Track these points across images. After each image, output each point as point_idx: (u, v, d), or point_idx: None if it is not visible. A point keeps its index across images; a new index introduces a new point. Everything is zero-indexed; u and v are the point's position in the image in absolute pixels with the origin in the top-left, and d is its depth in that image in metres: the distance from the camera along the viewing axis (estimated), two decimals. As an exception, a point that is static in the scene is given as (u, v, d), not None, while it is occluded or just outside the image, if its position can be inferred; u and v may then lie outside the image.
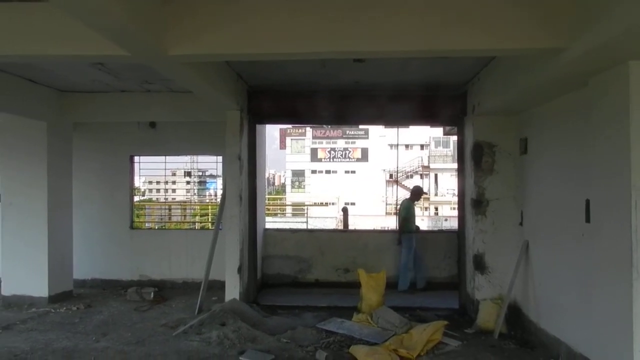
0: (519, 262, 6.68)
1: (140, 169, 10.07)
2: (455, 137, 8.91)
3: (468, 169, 7.58)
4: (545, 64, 4.56)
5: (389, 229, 17.07)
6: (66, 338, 6.48)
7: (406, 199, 9.98)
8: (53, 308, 7.87)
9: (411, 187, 10.49)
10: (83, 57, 4.77)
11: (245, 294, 7.76)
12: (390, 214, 37.91)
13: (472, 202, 7.35)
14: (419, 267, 9.19)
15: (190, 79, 5.62)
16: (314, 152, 52.36)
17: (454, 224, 9.65)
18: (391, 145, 46.67)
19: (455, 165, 9.09)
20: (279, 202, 38.02)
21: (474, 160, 7.28)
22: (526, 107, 6.50)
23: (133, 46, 4.09)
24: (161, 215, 12.11)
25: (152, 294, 8.51)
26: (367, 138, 50.45)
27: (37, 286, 8.07)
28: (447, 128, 10.62)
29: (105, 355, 5.85)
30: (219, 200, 9.62)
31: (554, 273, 5.78)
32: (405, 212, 9.42)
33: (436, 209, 42.69)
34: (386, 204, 42.17)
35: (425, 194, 8.88)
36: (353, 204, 40.17)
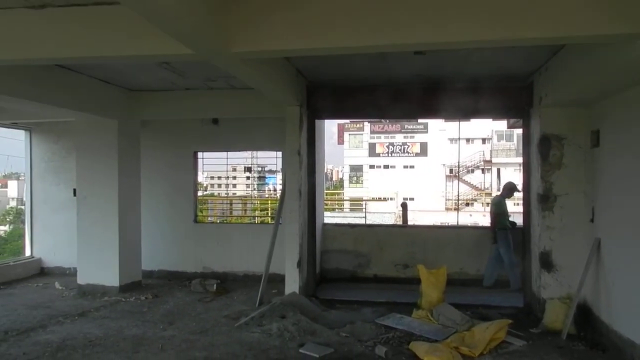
0: (590, 260, 6.36)
1: (203, 164, 10.38)
2: (519, 130, 8.58)
3: (534, 162, 7.29)
4: (620, 51, 4.30)
5: (449, 224, 16.72)
6: (136, 326, 6.79)
7: (497, 195, 9.70)
8: (123, 297, 8.27)
9: (504, 183, 10.05)
10: (151, 57, 4.97)
11: (304, 287, 7.84)
12: (450, 209, 37.14)
13: (538, 198, 7.06)
14: (494, 265, 8.91)
15: (251, 76, 5.72)
16: (372, 147, 52.01)
17: (517, 220, 9.30)
18: (451, 140, 45.61)
19: (519, 160, 8.76)
20: (336, 197, 38.11)
21: (541, 154, 6.99)
22: (599, 97, 6.15)
23: (197, 44, 4.21)
24: (223, 210, 12.41)
25: (215, 285, 8.77)
26: (427, 132, 49.52)
27: (109, 276, 8.52)
28: (512, 121, 10.26)
29: (172, 343, 6.09)
30: (278, 195, 9.76)
31: (631, 272, 5.45)
32: (496, 209, 9.12)
33: (499, 204, 41.31)
34: (446, 200, 41.33)
35: (518, 190, 8.49)
36: (412, 199, 39.59)
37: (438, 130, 47.79)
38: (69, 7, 4.51)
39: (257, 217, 14.04)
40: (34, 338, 6.27)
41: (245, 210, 14.24)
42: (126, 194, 8.65)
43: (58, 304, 7.94)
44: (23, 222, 11.11)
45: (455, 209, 34.77)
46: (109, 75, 7.71)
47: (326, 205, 12.44)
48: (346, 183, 52.83)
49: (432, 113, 9.06)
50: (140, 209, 9.16)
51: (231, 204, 13.56)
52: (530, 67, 6.98)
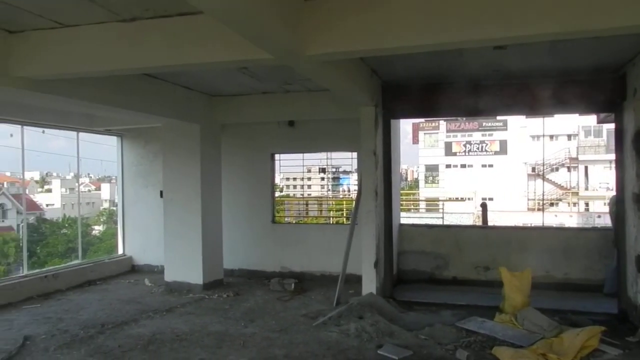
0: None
1: (280, 166, 10.59)
2: (610, 125, 8.02)
3: (628, 159, 6.79)
4: None
5: (533, 225, 15.95)
6: (219, 322, 7.05)
7: (615, 195, 9.06)
8: (207, 294, 8.61)
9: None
10: (232, 63, 5.12)
11: (381, 288, 7.79)
12: (533, 210, 35.45)
13: (633, 197, 6.57)
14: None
15: (326, 77, 5.78)
16: (448, 145, 50.69)
17: (607, 221, 8.63)
18: (534, 137, 43.51)
19: (609, 157, 8.18)
20: (412, 197, 37.53)
21: (636, 150, 6.49)
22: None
23: (275, 48, 4.32)
24: (299, 210, 12.62)
25: (293, 285, 8.92)
26: (506, 129, 47.51)
27: (194, 274, 8.91)
28: (602, 115, 9.61)
29: (253, 340, 6.26)
30: (352, 195, 9.76)
31: None
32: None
33: (586, 204, 38.92)
34: (528, 200, 39.48)
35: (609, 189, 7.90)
36: (491, 199, 38.21)
37: (519, 127, 45.70)
38: (156, 18, 4.78)
39: (333, 217, 14.14)
40: (127, 331, 6.68)
41: (321, 210, 14.39)
42: (208, 195, 9.02)
43: (148, 300, 8.42)
44: (115, 222, 11.86)
45: (538, 209, 33.15)
46: (192, 82, 8.07)
47: (401, 205, 12.29)
48: (421, 183, 51.88)
49: (513, 110, 8.68)
50: (221, 210, 9.51)
51: (307, 204, 13.76)
52: (623, 57, 6.52)
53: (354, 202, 9.06)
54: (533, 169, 42.85)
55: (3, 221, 34.90)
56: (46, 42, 5.06)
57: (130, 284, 9.76)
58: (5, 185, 38.68)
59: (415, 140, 52.08)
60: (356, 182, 10.41)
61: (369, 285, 7.65)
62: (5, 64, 5.09)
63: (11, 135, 9.44)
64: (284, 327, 6.76)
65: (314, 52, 4.40)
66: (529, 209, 37.11)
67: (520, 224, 21.50)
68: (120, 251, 11.08)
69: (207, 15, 4.37)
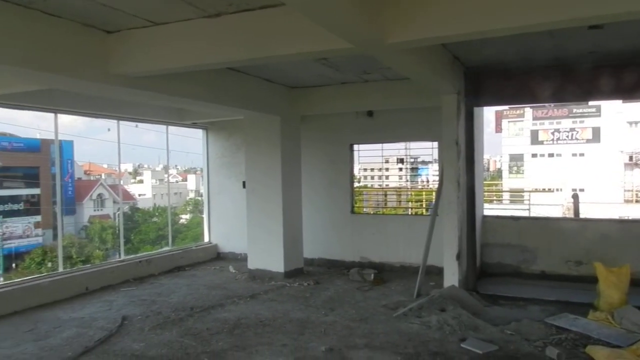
0: None
1: (359, 156, 10.57)
2: None
3: None
4: None
5: (632, 218, 14.82)
6: (300, 310, 7.20)
7: None
8: (288, 282, 8.82)
9: None
10: (313, 54, 5.18)
11: (463, 281, 7.59)
12: (630, 201, 32.98)
13: None
14: None
15: (407, 65, 5.68)
16: (534, 134, 48.28)
17: None
18: (631, 123, 40.35)
19: None
20: (494, 188, 36.16)
21: None
22: None
23: (355, 38, 4.30)
24: (377, 201, 12.55)
25: (372, 275, 8.91)
26: (599, 116, 44.44)
27: (275, 262, 9.15)
28: None
29: (334, 328, 6.33)
30: (431, 186, 9.54)
31: None
32: None
33: (693, 196, 35.62)
34: (625, 191, 36.74)
35: None
36: (582, 190, 35.95)
37: (615, 113, 42.58)
38: (240, 12, 4.92)
39: (412, 208, 13.94)
40: (214, 315, 7.00)
41: (400, 201, 14.22)
42: (289, 185, 9.20)
43: (232, 286, 8.76)
44: (200, 211, 12.43)
45: (637, 201, 30.76)
46: (272, 74, 8.23)
47: (484, 196, 11.85)
48: (505, 173, 49.82)
49: (608, 94, 8.04)
50: (301, 200, 9.67)
51: (386, 195, 13.65)
52: None
53: (434, 192, 8.88)
54: (630, 158, 39.77)
55: (101, 210, 37.81)
56: (139, 41, 5.37)
57: (215, 270, 10.19)
58: (103, 177, 41.79)
59: (498, 128, 50.04)
60: (435, 173, 10.17)
61: (451, 277, 7.48)
62: (104, 63, 5.46)
63: (109, 129, 10.16)
64: (364, 317, 6.78)
65: (395, 40, 4.34)
66: (625, 201, 34.53)
67: (616, 217, 20.06)
68: (206, 239, 11.61)
69: (288, 8, 4.44)
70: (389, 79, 8.27)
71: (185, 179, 50.16)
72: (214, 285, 8.85)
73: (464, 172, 7.74)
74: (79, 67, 5.28)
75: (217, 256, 11.43)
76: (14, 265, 28.08)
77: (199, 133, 11.67)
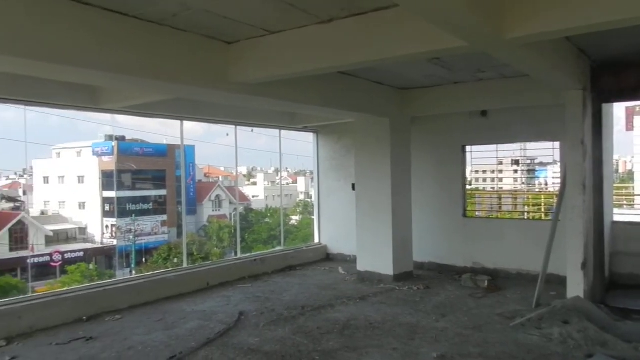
0: None
1: (472, 158, 10.20)
2: None
3: None
4: None
5: None
6: (409, 314, 7.10)
7: None
8: (397, 286, 8.73)
9: None
10: (426, 54, 5.09)
11: (589, 292, 7.00)
12: None
13: None
14: None
15: (527, 61, 5.37)
16: (672, 132, 43.20)
17: None
18: None
19: None
20: (625, 191, 32.89)
21: None
22: None
23: (472, 36, 4.16)
24: (491, 205, 12.00)
25: (486, 282, 8.54)
26: None
27: (384, 265, 9.11)
28: None
29: (445, 335, 6.16)
30: (550, 189, 8.92)
31: None
32: None
33: None
34: None
35: None
36: None
37: None
38: (352, 17, 4.97)
39: (529, 212, 13.14)
40: (325, 315, 7.13)
41: (516, 205, 13.47)
42: (398, 188, 9.12)
43: (342, 287, 8.87)
44: (310, 213, 12.76)
45: None
46: (381, 76, 8.21)
47: (613, 200, 10.80)
48: (637, 175, 45.15)
49: None
50: (411, 203, 9.54)
51: (500, 198, 13.01)
52: None
53: (554, 196, 8.30)
54: None
55: (219, 210, 40.24)
56: (257, 50, 5.63)
57: (325, 271, 10.38)
58: (220, 179, 44.47)
59: (630, 126, 45.43)
60: (555, 175, 9.49)
61: (575, 287, 6.93)
62: (225, 72, 5.81)
63: (227, 134, 10.78)
64: (477, 325, 6.52)
65: (514, 35, 4.12)
66: None
67: None
68: (316, 240, 11.87)
69: (400, 9, 4.42)
70: (506, 76, 7.89)
71: (295, 181, 51.80)
72: (324, 285, 9.02)
73: (590, 174, 7.14)
74: (202, 77, 5.66)
75: (327, 257, 11.63)
76: (144, 259, 30.85)
77: (309, 136, 11.99)
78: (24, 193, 37.22)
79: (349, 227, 10.17)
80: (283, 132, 11.39)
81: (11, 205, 33.86)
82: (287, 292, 8.52)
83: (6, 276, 22.89)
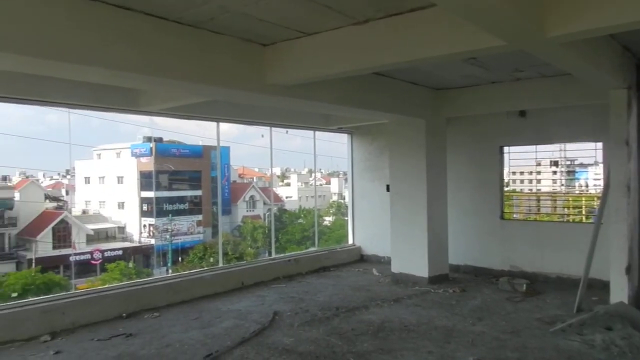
0: None
1: (510, 159, 9.98)
2: None
3: None
4: None
5: None
6: (445, 317, 7.01)
7: None
8: (432, 288, 8.63)
9: None
10: (462, 54, 5.03)
11: (634, 298, 6.74)
12: None
13: None
14: None
15: (568, 60, 5.23)
16: None
17: None
18: None
19: None
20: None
21: None
22: None
23: (512, 34, 4.08)
24: (529, 207, 11.73)
25: (525, 286, 8.35)
26: None
27: (419, 267, 9.02)
28: None
29: (482, 339, 6.05)
30: (590, 191, 8.64)
31: None
32: None
33: None
34: None
35: None
36: None
37: None
38: (387, 17, 4.95)
39: (569, 215, 12.78)
40: (359, 316, 7.11)
41: (555, 207, 13.12)
42: (434, 189, 9.02)
43: (376, 289, 8.82)
44: (343, 214, 12.78)
45: None
46: (416, 77, 8.14)
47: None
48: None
49: None
50: (447, 204, 9.42)
51: (539, 200, 12.71)
52: None
53: (596, 198, 8.04)
54: None
55: (253, 210, 40.67)
56: (292, 51, 5.67)
57: (359, 272, 10.35)
58: (254, 180, 44.96)
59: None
60: (596, 176, 9.20)
61: (619, 293, 6.70)
62: (260, 74, 5.86)
63: (262, 135, 10.90)
64: (515, 329, 6.39)
65: (556, 33, 4.02)
66: None
67: None
68: (350, 241, 11.85)
69: (437, 8, 4.38)
70: (545, 75, 7.70)
71: (328, 182, 51.87)
72: (358, 286, 8.99)
73: (636, 176, 6.88)
74: (239, 79, 5.73)
75: (361, 258, 11.60)
76: (180, 258, 31.46)
77: (343, 137, 11.99)
78: (67, 193, 38.48)
79: (383, 228, 10.11)
80: (317, 133, 11.42)
81: (55, 204, 35.05)
82: (321, 293, 8.53)
83: (49, 273, 23.70)
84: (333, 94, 6.97)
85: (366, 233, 11.61)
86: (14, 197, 31.81)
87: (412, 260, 9.12)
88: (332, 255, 11.11)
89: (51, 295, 7.15)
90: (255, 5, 4.57)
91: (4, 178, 36.15)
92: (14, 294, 17.92)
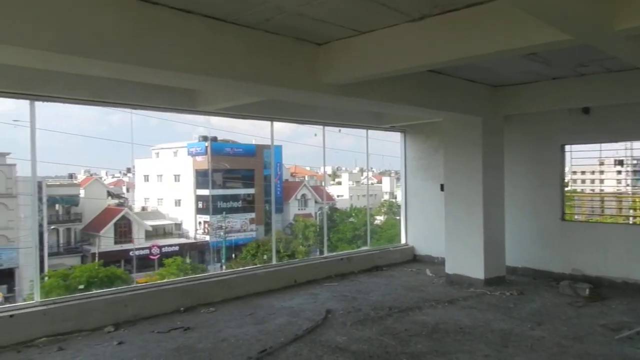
0: None
1: (572, 157, 9.57)
2: None
3: None
4: None
5: None
6: (502, 320, 6.82)
7: None
8: (488, 290, 8.41)
9: None
10: (523, 49, 4.83)
11: None
12: None
13: None
14: None
15: (638, 53, 4.96)
16: None
17: None
18: None
19: None
20: None
21: None
22: None
23: (577, 28, 3.91)
24: (592, 208, 11.21)
25: (588, 290, 8.00)
26: None
27: (475, 268, 8.82)
28: None
29: (542, 344, 5.85)
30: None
31: None
32: None
33: None
34: None
35: None
36: None
37: None
38: (443, 14, 4.86)
39: (635, 217, 12.12)
40: (412, 317, 7.03)
41: (620, 208, 12.48)
42: (490, 189, 8.79)
43: (429, 289, 8.70)
44: (394, 213, 12.66)
45: None
46: (473, 73, 7.95)
47: None
48: None
49: None
50: (504, 205, 9.15)
51: (602, 201, 12.13)
52: None
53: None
54: None
55: (304, 209, 40.98)
56: (347, 50, 5.66)
57: (412, 272, 10.23)
58: (306, 178, 45.30)
59: None
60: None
61: (692, 300, 6.31)
62: (315, 73, 5.89)
63: (315, 134, 10.95)
64: (577, 335, 6.13)
65: (626, 26, 3.83)
66: None
67: None
68: (402, 241, 11.73)
69: (496, 3, 4.26)
70: (611, 70, 7.34)
71: (380, 181, 51.52)
72: (411, 287, 8.89)
73: None
74: (293, 78, 5.79)
75: (414, 258, 11.46)
76: (233, 255, 32.13)
77: (395, 136, 11.86)
78: (127, 190, 40.10)
79: (437, 228, 9.95)
80: (369, 132, 11.36)
81: (116, 201, 36.63)
82: (373, 292, 8.49)
83: (111, 267, 24.79)
84: (387, 92, 6.91)
85: (419, 233, 11.46)
86: (80, 194, 33.46)
87: (467, 261, 8.93)
88: (385, 255, 11.03)
89: (115, 288, 7.48)
90: (311, 5, 4.60)
91: (70, 176, 38.11)
92: (81, 286, 18.85)
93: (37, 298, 6.53)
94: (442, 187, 9.65)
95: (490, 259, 8.80)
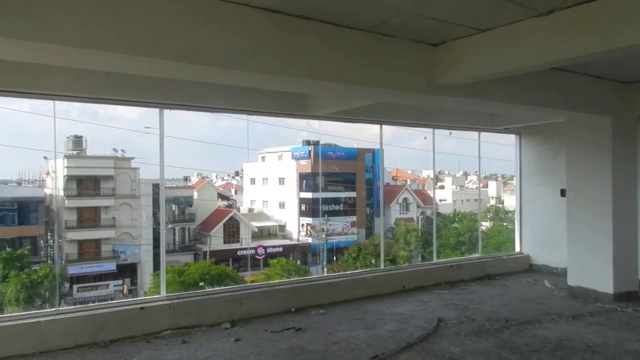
0: None
1: None
2: None
3: None
4: None
5: None
6: (638, 341, 6.18)
7: None
8: (619, 306, 7.68)
9: None
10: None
11: None
12: None
13: None
14: None
15: None
16: None
17: None
18: None
19: None
20: None
21: None
22: None
23: None
24: None
25: None
26: None
27: (602, 281, 8.10)
28: None
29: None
30: None
31: None
32: None
33: None
34: None
35: None
36: None
37: None
38: (574, 7, 4.50)
39: None
40: (532, 331, 6.59)
41: None
42: (621, 195, 8.02)
43: (549, 302, 8.12)
44: (501, 219, 11.98)
45: None
46: (601, 69, 7.30)
47: None
48: None
49: None
50: (637, 213, 8.30)
51: None
52: None
53: None
54: None
55: (406, 213, 40.36)
56: (464, 49, 5.44)
57: (528, 283, 9.63)
58: (408, 182, 44.62)
59: None
60: None
61: None
62: (429, 74, 5.73)
63: (425, 137, 10.71)
64: None
65: None
66: None
67: None
68: (517, 249, 11.09)
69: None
70: None
71: (485, 186, 49.34)
72: (528, 298, 8.36)
73: None
74: (408, 81, 5.69)
75: (529, 268, 10.77)
76: (334, 258, 32.44)
77: (504, 138, 11.28)
78: (235, 192, 42.06)
79: (556, 236, 9.29)
80: (471, 134, 10.88)
81: (225, 203, 38.56)
82: (487, 302, 8.09)
83: (221, 265, 26.07)
84: (504, 92, 6.56)
85: (536, 241, 10.75)
86: (193, 195, 35.69)
87: (593, 274, 8.22)
88: (497, 263, 10.48)
89: (230, 287, 7.85)
90: (431, 4, 4.47)
91: (185, 178, 40.74)
92: (201, 283, 19.95)
93: (163, 292, 7.00)
94: (562, 193, 8.98)
95: (620, 271, 8.02)
